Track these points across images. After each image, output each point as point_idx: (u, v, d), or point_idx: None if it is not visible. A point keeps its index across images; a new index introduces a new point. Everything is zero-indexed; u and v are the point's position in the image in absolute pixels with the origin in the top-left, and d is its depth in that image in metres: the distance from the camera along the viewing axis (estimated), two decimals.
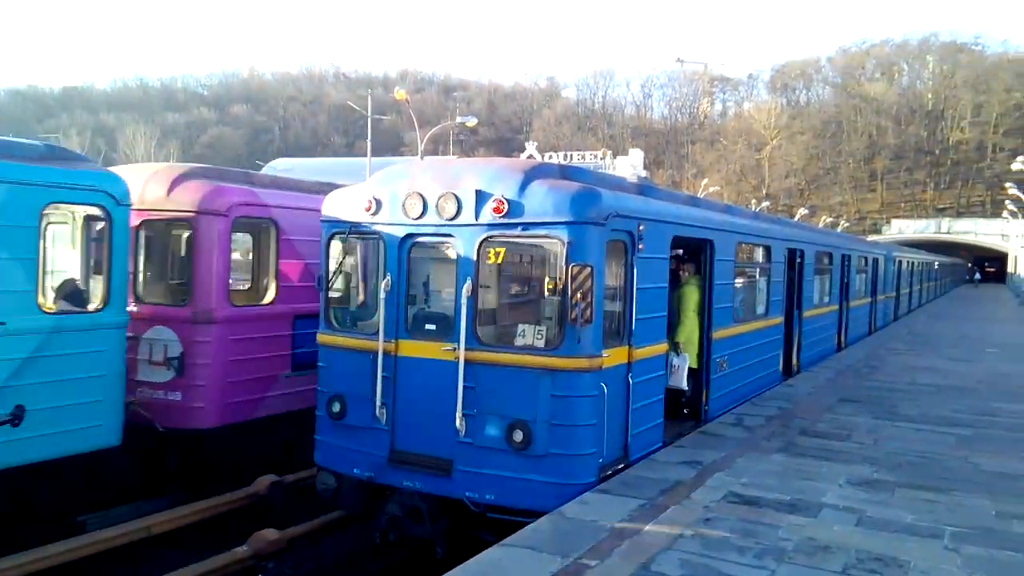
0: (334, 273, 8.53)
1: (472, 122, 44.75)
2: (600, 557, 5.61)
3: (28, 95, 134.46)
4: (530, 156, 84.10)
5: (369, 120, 40.64)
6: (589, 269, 6.78)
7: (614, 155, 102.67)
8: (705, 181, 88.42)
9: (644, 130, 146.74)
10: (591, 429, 7.14)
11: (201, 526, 9.17)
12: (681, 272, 10.16)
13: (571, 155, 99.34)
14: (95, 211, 8.63)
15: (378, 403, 7.74)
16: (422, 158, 30.82)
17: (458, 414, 7.26)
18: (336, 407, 8.11)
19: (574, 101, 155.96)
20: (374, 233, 8.06)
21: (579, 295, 6.74)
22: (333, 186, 9.73)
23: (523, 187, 7.26)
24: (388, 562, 8.66)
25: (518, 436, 7.07)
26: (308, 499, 9.56)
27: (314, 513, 9.42)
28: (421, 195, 7.67)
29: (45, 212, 8.03)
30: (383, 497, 7.92)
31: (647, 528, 6.18)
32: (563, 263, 6.97)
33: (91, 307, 8.64)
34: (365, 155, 41.86)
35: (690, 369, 9.75)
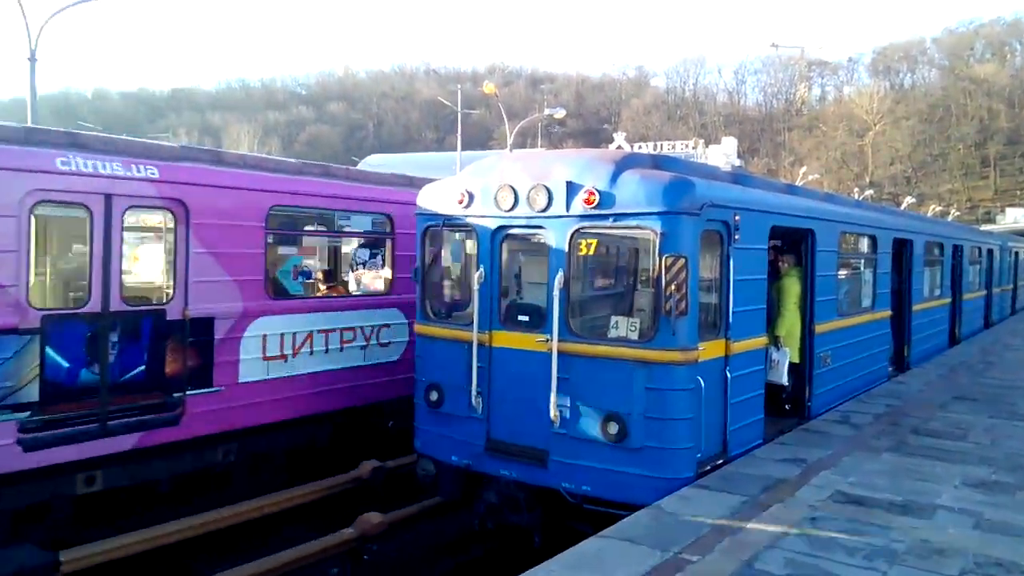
0: (429, 265, 8.69)
1: (560, 114, 44.56)
2: (701, 552, 5.52)
3: (140, 97, 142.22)
4: (619, 147, 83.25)
5: (459, 115, 41.13)
6: (683, 260, 6.66)
7: (706, 144, 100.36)
8: (803, 169, 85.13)
9: (737, 118, 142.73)
10: (688, 423, 7.02)
11: (309, 507, 9.53)
12: (780, 264, 9.85)
13: (661, 145, 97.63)
14: None
15: (473, 393, 7.84)
16: (511, 151, 30.94)
17: (552, 405, 7.28)
18: (433, 396, 8.28)
19: (664, 90, 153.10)
20: (467, 225, 8.16)
21: (673, 287, 6.64)
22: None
23: (614, 178, 7.19)
24: (487, 548, 8.79)
25: (613, 428, 7.03)
26: (409, 484, 9.78)
27: (414, 498, 9.65)
28: (512, 187, 7.71)
29: None
30: (481, 484, 8.04)
31: (749, 525, 6.04)
32: (656, 254, 6.87)
33: None
34: (455, 149, 42.43)
35: (791, 364, 9.46)
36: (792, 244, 9.84)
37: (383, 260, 11.88)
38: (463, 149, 41.66)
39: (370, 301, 11.07)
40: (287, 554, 7.94)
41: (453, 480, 8.35)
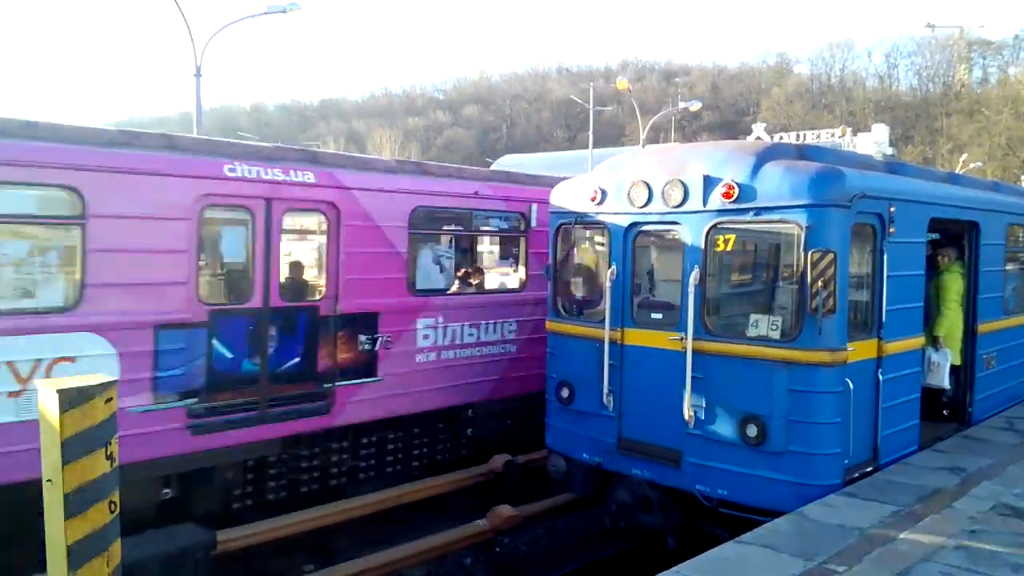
0: (561, 262, 8.70)
1: (696, 106, 43.41)
2: (848, 563, 5.22)
3: (292, 108, 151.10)
4: (758, 138, 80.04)
5: (591, 112, 41.00)
6: (832, 255, 6.30)
7: (854, 132, 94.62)
8: (964, 156, 78.63)
9: (889, 104, 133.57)
10: (834, 428, 6.65)
11: (442, 499, 9.80)
12: (940, 259, 9.14)
13: (804, 135, 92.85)
14: None
15: (605, 390, 7.79)
16: (643, 147, 30.51)
17: (686, 405, 7.10)
18: (564, 392, 8.29)
19: (807, 77, 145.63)
20: (599, 222, 8.10)
21: (820, 283, 6.29)
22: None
23: (755, 170, 6.91)
24: (618, 547, 8.71)
25: (752, 431, 6.77)
26: (540, 478, 9.86)
27: (544, 492, 9.71)
28: (646, 183, 7.58)
29: None
30: (612, 482, 7.97)
31: (902, 536, 5.65)
32: (801, 249, 6.55)
33: None
34: (587, 147, 42.31)
35: (952, 366, 8.76)
36: (952, 237, 9.12)
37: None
38: (595, 147, 41.49)
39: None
40: (424, 542, 8.20)
41: (584, 477, 8.33)
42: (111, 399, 4.35)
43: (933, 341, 8.69)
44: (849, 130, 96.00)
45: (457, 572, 8.54)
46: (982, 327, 9.02)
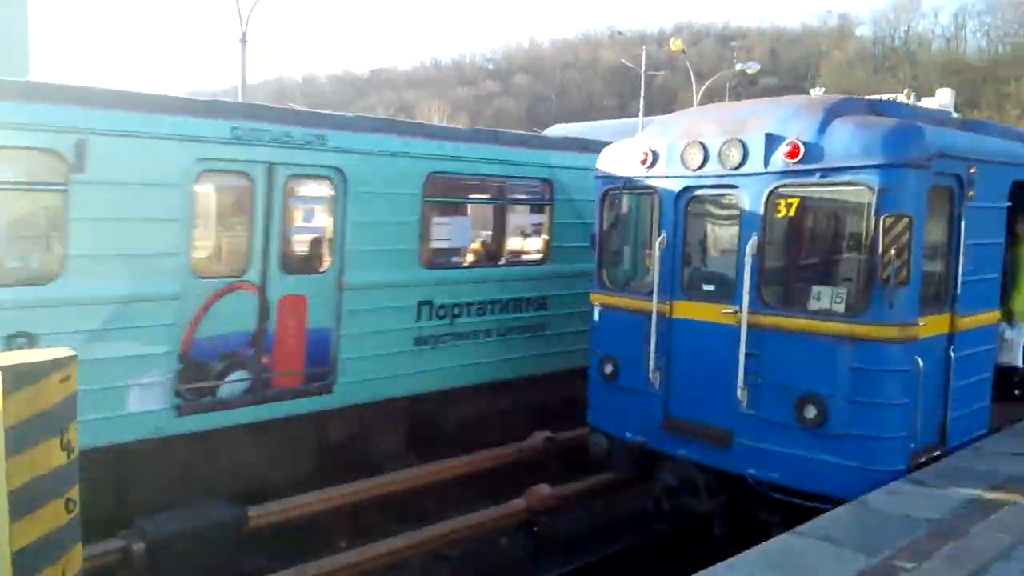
0: (608, 230, 8.22)
1: (754, 69, 41.63)
2: (916, 559, 4.73)
3: (344, 79, 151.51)
4: None
5: (642, 76, 39.85)
6: (907, 220, 5.71)
7: (918, 97, 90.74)
8: None
9: (956, 67, 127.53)
10: (901, 409, 6.11)
11: (479, 476, 9.51)
12: (1018, 227, 8.39)
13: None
14: None
15: (651, 367, 7.34)
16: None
17: (739, 383, 6.62)
18: (608, 368, 7.87)
19: (870, 39, 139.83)
20: (649, 187, 7.59)
21: (893, 251, 5.71)
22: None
23: (823, 127, 6.32)
24: (662, 530, 8.31)
25: (811, 412, 6.26)
26: (581, 458, 9.51)
27: (585, 473, 9.34)
28: (702, 143, 7.04)
29: None
30: (656, 463, 7.56)
31: (975, 529, 5.13)
32: (873, 214, 5.96)
33: None
34: (637, 115, 41.26)
35: None
36: None
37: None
38: (646, 114, 40.38)
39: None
40: (459, 521, 7.93)
41: (627, 457, 7.90)
42: (68, 378, 3.75)
43: (1008, 316, 8.01)
44: (913, 94, 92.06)
45: (493, 552, 8.26)
46: None
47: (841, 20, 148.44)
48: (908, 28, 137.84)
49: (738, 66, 44.22)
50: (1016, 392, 8.33)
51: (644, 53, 41.81)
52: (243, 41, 21.94)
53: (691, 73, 40.85)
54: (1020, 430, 7.44)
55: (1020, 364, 8.02)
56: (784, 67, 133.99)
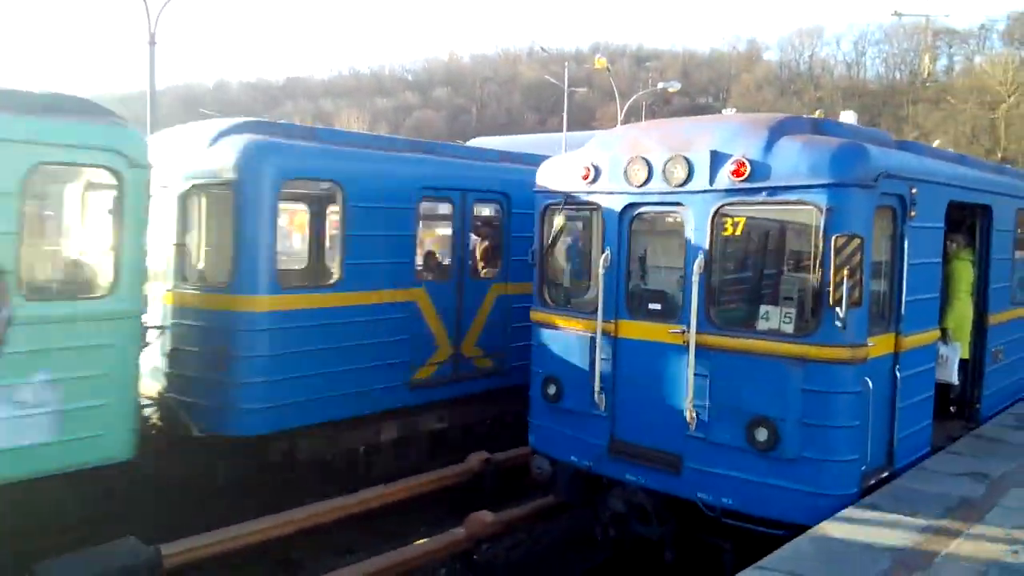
0: (547, 247, 7.94)
1: (675, 87, 42.56)
2: None
3: (258, 87, 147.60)
4: None
5: (565, 92, 40.10)
6: (858, 241, 5.62)
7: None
8: (937, 142, 79.38)
9: (857, 91, 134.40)
10: (853, 431, 6.02)
11: (414, 501, 9.04)
12: (949, 245, 8.56)
13: None
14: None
15: (596, 388, 7.08)
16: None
17: (688, 405, 6.42)
18: (551, 389, 7.57)
19: (776, 63, 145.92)
20: (591, 203, 7.36)
21: (845, 271, 5.61)
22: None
23: (769, 145, 6.22)
24: (608, 555, 8.04)
25: (762, 435, 6.11)
26: (520, 478, 9.18)
27: (525, 492, 9.01)
28: (646, 159, 6.85)
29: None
30: (602, 487, 7.29)
31: (939, 559, 5.03)
32: (822, 234, 5.87)
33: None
34: (557, 131, 41.46)
35: (960, 360, 8.21)
36: (956, 223, 8.54)
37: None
38: (567, 130, 40.65)
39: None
40: (397, 554, 7.45)
41: (572, 481, 7.63)
42: None
43: (942, 334, 8.13)
44: (823, 115, 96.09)
45: None
46: (993, 318, 8.49)
47: (749, 45, 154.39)
48: (812, 54, 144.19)
49: (660, 85, 45.05)
50: (951, 408, 8.45)
51: (567, 69, 42.15)
52: (152, 43, 20.79)
53: (615, 89, 41.37)
54: (960, 448, 7.51)
55: (955, 381, 8.13)
56: (697, 88, 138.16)
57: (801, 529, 5.69)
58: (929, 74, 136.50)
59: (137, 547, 6.49)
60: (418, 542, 7.77)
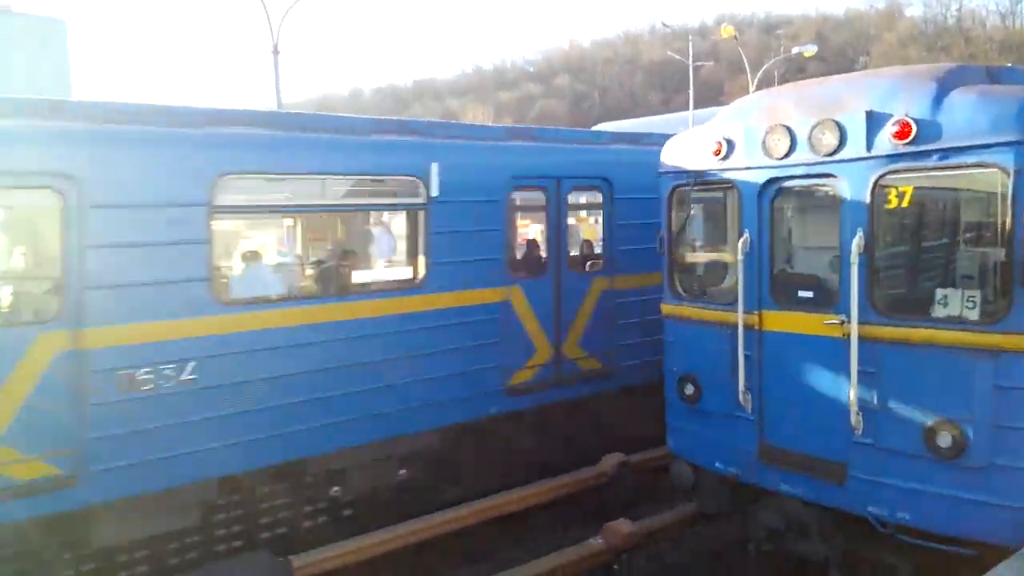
0: (678, 232, 7.28)
1: (811, 51, 39.68)
2: None
3: (387, 92, 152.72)
4: None
5: (691, 67, 38.47)
6: None
7: None
8: None
9: (1014, 43, 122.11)
10: None
11: (548, 505, 8.65)
12: None
13: None
14: None
15: (741, 387, 6.38)
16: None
17: (852, 407, 5.62)
18: (688, 389, 6.93)
19: (920, 18, 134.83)
20: (726, 181, 6.64)
21: None
22: None
23: (938, 100, 5.31)
24: (761, 568, 7.30)
25: (945, 440, 5.23)
26: (658, 479, 8.58)
27: (664, 496, 8.40)
28: (787, 127, 6.06)
29: None
30: (752, 496, 6.58)
31: None
32: (1009, 201, 4.92)
33: None
34: (682, 110, 39.86)
35: None
36: None
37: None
38: (694, 107, 39.05)
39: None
40: (532, 566, 7.06)
41: (717, 490, 6.94)
42: None
43: None
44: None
45: None
46: None
47: (889, 1, 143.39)
48: (960, 5, 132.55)
49: (794, 50, 42.30)
50: None
51: (691, 44, 40.42)
52: (275, 52, 21.55)
53: (744, 59, 39.24)
54: None
55: None
56: (833, 51, 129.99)
57: (995, 549, 4.82)
58: None
59: (269, 560, 6.45)
60: (554, 553, 7.33)
